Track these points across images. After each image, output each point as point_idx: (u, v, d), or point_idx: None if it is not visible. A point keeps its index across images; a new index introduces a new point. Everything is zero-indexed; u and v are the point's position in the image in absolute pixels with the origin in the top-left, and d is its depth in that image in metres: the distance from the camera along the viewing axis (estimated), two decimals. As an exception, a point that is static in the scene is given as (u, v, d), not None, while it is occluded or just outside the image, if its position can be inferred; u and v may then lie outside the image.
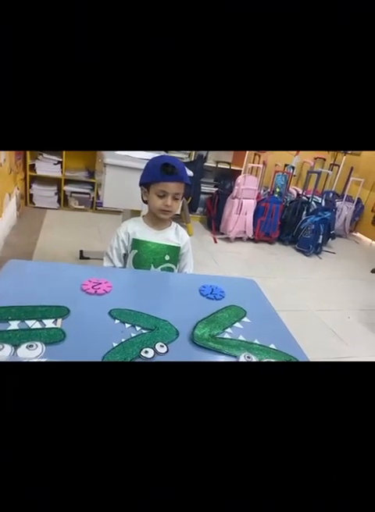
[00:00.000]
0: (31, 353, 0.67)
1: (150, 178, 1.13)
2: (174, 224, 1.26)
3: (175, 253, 1.22)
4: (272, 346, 0.82)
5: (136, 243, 1.18)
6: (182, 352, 0.75)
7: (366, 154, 4.08)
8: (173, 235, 1.23)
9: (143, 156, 1.84)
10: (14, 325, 0.73)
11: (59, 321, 0.77)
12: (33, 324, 0.75)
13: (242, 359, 0.76)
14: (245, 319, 0.92)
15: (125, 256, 1.22)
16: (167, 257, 1.19)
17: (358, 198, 4.10)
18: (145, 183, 1.16)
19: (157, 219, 1.19)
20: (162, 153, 2.05)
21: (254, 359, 0.76)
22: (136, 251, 1.17)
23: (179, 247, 1.23)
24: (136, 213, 2.05)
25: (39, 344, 0.69)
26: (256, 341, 0.83)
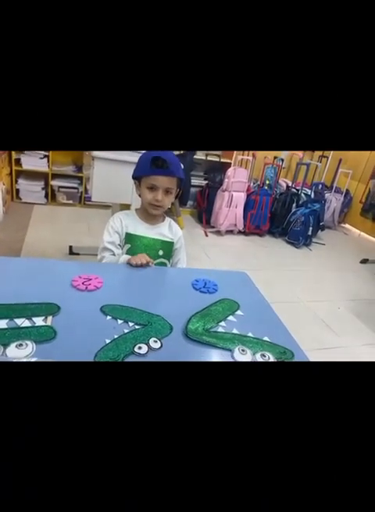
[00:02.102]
0: (21, 352, 0.65)
1: (141, 171, 1.12)
2: (168, 219, 1.25)
3: (169, 248, 1.20)
4: (265, 338, 0.82)
5: (129, 238, 1.16)
6: (176, 347, 0.74)
7: (353, 146, 4.11)
8: (166, 230, 1.21)
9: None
10: (2, 324, 0.71)
11: (49, 318, 0.75)
12: (23, 322, 0.73)
13: (236, 352, 0.75)
14: (238, 312, 0.91)
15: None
16: (161, 253, 1.18)
17: (347, 190, 4.13)
18: (137, 177, 1.15)
19: (149, 214, 1.17)
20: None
21: (248, 352, 0.76)
22: (129, 246, 1.16)
23: (172, 243, 1.22)
24: (125, 207, 2.03)
25: (29, 343, 0.67)
26: (250, 334, 0.83)
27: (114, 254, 1.15)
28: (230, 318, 0.88)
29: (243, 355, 0.75)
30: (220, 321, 0.86)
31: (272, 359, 0.75)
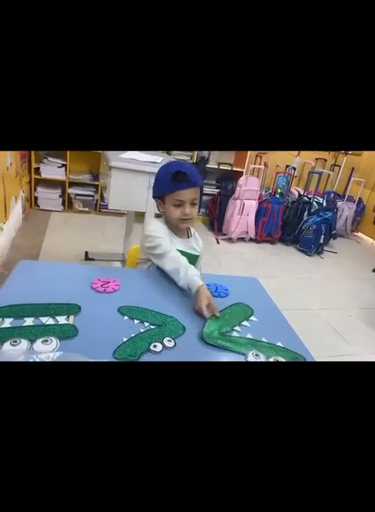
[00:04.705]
0: (47, 347, 0.71)
1: (164, 189, 1.09)
2: (192, 230, 1.23)
3: (196, 261, 1.20)
4: (279, 343, 0.85)
5: None
6: (189, 346, 0.79)
7: (366, 155, 4.11)
8: (194, 243, 1.21)
9: (147, 159, 1.88)
10: (29, 321, 0.77)
11: (71, 317, 0.81)
12: (47, 320, 0.79)
13: (250, 356, 0.78)
14: (252, 318, 0.95)
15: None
16: None
17: (360, 198, 4.12)
18: (160, 196, 1.12)
19: (178, 228, 1.15)
20: (169, 159, 2.08)
21: (262, 357, 0.79)
22: None
23: (199, 256, 1.21)
24: (140, 215, 2.09)
25: (53, 339, 0.73)
26: (263, 339, 0.86)
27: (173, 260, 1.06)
28: (245, 323, 0.92)
29: (257, 359, 0.78)
30: (235, 325, 0.89)
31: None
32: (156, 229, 1.11)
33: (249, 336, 0.87)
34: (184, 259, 1.04)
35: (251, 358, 0.78)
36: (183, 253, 1.11)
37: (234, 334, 0.86)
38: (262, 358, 0.78)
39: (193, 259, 1.16)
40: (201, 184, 1.11)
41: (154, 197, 1.15)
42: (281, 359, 0.79)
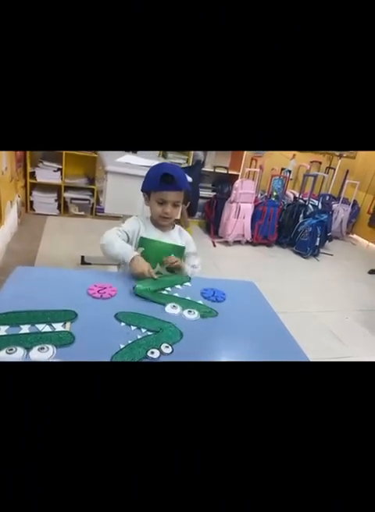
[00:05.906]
0: (43, 355, 0.70)
1: (151, 186, 1.20)
2: (177, 226, 1.32)
3: (180, 253, 1.25)
4: (200, 301, 0.97)
5: (143, 241, 1.21)
6: (186, 352, 0.79)
7: (361, 157, 4.14)
8: (177, 236, 1.29)
9: (143, 163, 1.88)
10: (25, 329, 0.76)
11: (68, 324, 0.81)
12: (44, 327, 0.78)
13: (168, 307, 0.94)
14: (187, 283, 1.10)
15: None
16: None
17: (354, 200, 4.15)
18: (146, 190, 1.22)
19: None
20: (163, 161, 2.09)
21: (178, 308, 0.94)
22: (142, 249, 1.20)
23: (183, 247, 1.27)
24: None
25: (50, 347, 0.72)
26: (188, 297, 1.00)
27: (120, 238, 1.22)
28: (178, 286, 1.06)
29: (174, 310, 0.93)
30: (167, 286, 1.04)
31: (197, 314, 0.93)
32: (126, 225, 1.25)
33: (176, 294, 1.01)
34: (116, 238, 1.20)
35: (169, 308, 0.93)
36: (160, 243, 1.22)
37: (164, 292, 1.00)
38: (178, 309, 0.94)
39: (174, 250, 1.23)
40: (186, 187, 1.21)
41: (142, 191, 1.25)
42: (196, 311, 0.94)
